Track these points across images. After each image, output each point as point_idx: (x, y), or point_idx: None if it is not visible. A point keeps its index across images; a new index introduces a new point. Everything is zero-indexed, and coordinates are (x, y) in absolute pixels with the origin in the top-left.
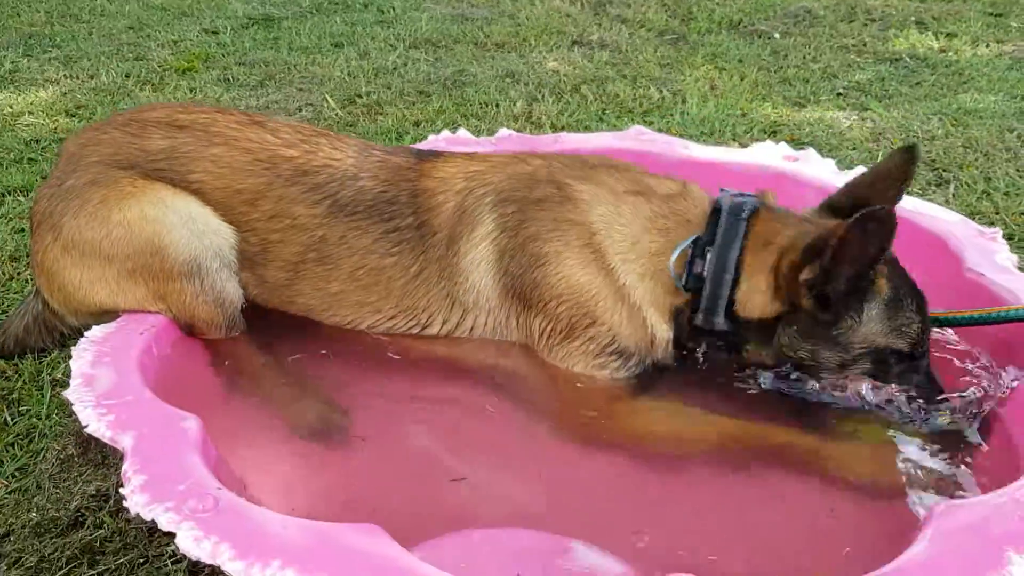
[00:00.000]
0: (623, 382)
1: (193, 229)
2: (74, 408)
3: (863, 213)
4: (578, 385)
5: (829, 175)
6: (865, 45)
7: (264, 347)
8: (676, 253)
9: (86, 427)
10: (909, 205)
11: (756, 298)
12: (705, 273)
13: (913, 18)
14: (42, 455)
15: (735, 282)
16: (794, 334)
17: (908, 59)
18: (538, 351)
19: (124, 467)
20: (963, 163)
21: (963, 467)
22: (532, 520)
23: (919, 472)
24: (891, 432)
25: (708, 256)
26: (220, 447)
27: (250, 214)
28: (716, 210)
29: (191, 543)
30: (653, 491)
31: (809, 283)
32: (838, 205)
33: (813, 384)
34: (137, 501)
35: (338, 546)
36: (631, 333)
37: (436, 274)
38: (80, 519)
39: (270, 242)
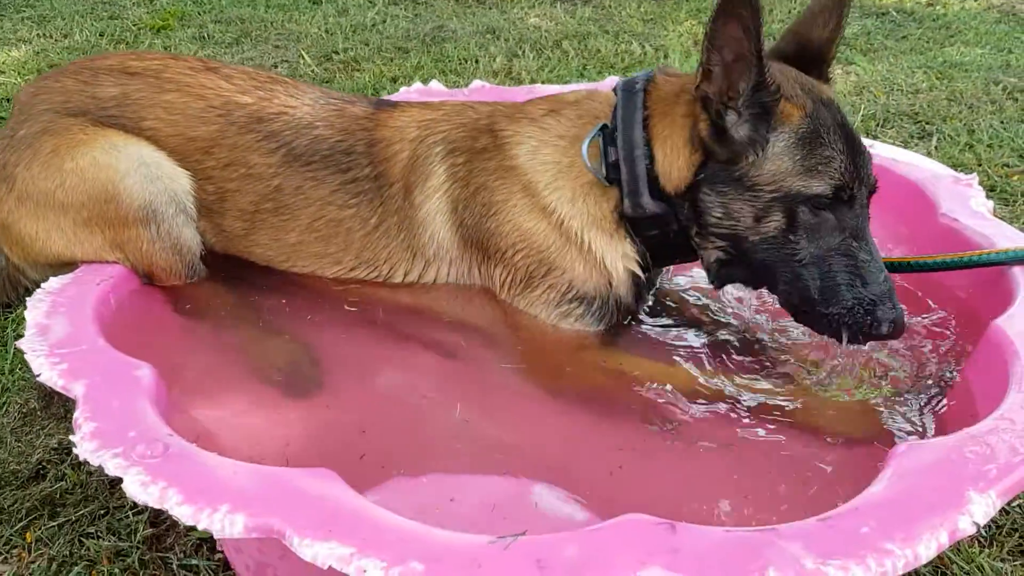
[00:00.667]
0: (591, 333)
1: (146, 174)
2: (26, 357)
3: None
4: (545, 333)
5: None
6: None
7: (228, 291)
8: (585, 145)
9: (38, 376)
10: (885, 152)
11: (676, 163)
12: (617, 156)
13: None
14: (4, 409)
15: (650, 156)
16: (711, 193)
17: (895, 13)
18: (502, 300)
19: (75, 415)
20: (947, 116)
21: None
22: (499, 465)
23: (892, 421)
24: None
25: (617, 139)
26: (181, 396)
27: (205, 162)
28: (615, 89)
29: (138, 488)
30: (626, 440)
31: (702, 98)
32: (785, 52)
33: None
34: (86, 448)
35: (289, 490)
36: (586, 275)
37: (396, 226)
38: (41, 471)
39: (226, 191)
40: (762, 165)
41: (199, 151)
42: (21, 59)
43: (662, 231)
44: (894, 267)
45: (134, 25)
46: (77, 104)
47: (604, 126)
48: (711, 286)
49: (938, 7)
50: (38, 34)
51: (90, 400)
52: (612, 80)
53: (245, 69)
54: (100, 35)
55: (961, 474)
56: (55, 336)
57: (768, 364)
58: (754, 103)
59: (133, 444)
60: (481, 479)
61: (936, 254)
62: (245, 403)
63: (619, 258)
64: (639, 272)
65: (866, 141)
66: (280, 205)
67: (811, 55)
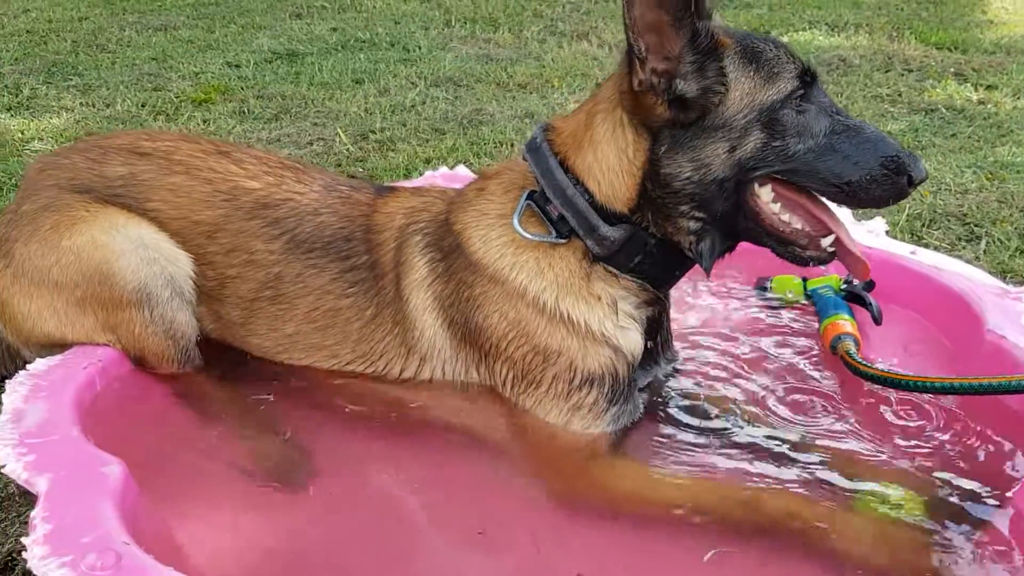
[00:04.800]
0: (602, 433)
1: (144, 256)
2: None
3: None
4: (552, 438)
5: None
6: (900, 95)
7: (222, 383)
8: (516, 219)
9: (2, 467)
10: (928, 260)
11: (615, 180)
12: (557, 209)
13: (952, 69)
14: None
15: (586, 191)
16: (675, 158)
17: (944, 110)
18: (507, 399)
19: (33, 513)
20: (996, 218)
21: (977, 548)
22: None
23: (936, 551)
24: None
25: (544, 193)
26: (155, 495)
27: (208, 247)
28: (524, 157)
29: None
30: (633, 560)
31: (647, 83)
32: None
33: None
34: (35, 553)
35: None
36: (583, 349)
37: (390, 318)
38: (10, 563)
39: (227, 277)
40: (727, 99)
41: (202, 235)
42: (61, 127)
43: (643, 251)
44: (935, 388)
45: (176, 97)
46: (84, 181)
47: (531, 192)
48: (706, 276)
49: (989, 105)
50: (81, 103)
51: (51, 498)
52: None
53: (258, 153)
54: (141, 106)
55: None
56: (28, 424)
57: (796, 460)
58: (695, 54)
59: (84, 552)
60: None
61: (980, 376)
62: (223, 508)
63: (605, 317)
64: (633, 315)
65: (911, 245)
66: (279, 293)
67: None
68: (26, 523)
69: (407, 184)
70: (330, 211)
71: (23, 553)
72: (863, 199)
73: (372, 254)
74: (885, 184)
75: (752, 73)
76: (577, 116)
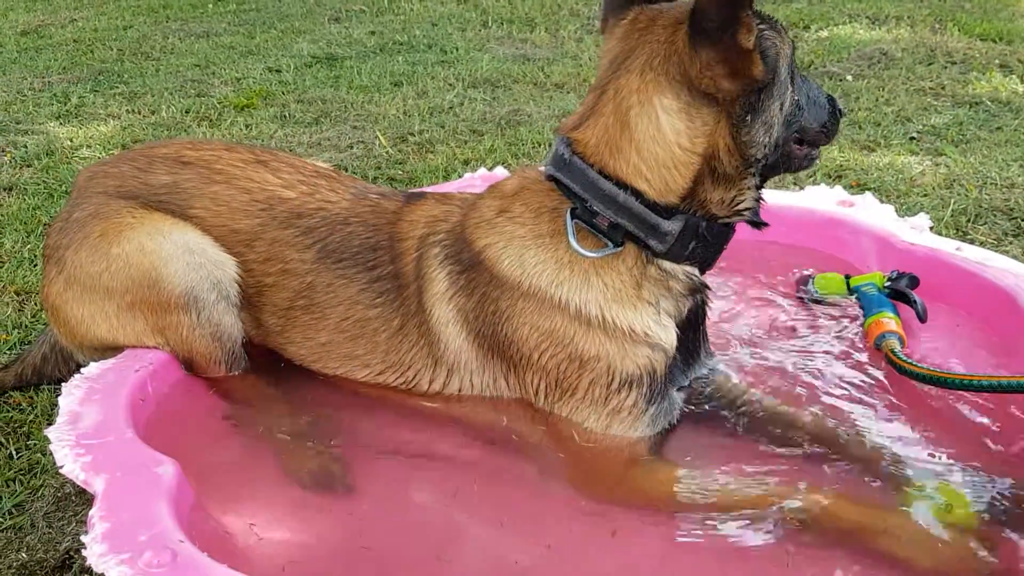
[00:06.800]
0: (641, 436)
1: (190, 261)
2: (51, 447)
3: None
4: (591, 443)
5: (887, 222)
6: (943, 88)
7: (269, 386)
8: (574, 242)
9: (61, 467)
10: (974, 256)
11: (664, 173)
12: (608, 219)
13: (997, 61)
14: (40, 492)
15: (633, 191)
16: (749, 133)
17: (989, 103)
18: (541, 410)
19: (91, 512)
20: None
21: None
22: None
23: (982, 557)
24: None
25: (590, 207)
26: (206, 495)
27: (246, 255)
28: (550, 176)
29: None
30: (678, 568)
31: (749, 44)
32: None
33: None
34: (94, 551)
35: None
36: (621, 351)
37: (415, 330)
38: (68, 561)
39: (264, 286)
40: (781, 53)
41: (241, 244)
42: (108, 134)
43: (696, 237)
44: (982, 387)
45: (219, 103)
46: (130, 188)
47: (572, 210)
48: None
49: None
50: (127, 110)
51: (108, 497)
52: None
53: (294, 162)
54: (185, 112)
55: None
56: (84, 426)
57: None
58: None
59: (141, 550)
60: None
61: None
62: (270, 508)
63: (648, 318)
64: (671, 312)
65: (956, 241)
66: (312, 303)
67: None
68: (82, 522)
69: (438, 189)
70: (359, 220)
71: (81, 551)
72: (829, 139)
73: (396, 264)
74: (833, 120)
75: (770, 25)
76: (600, 120)
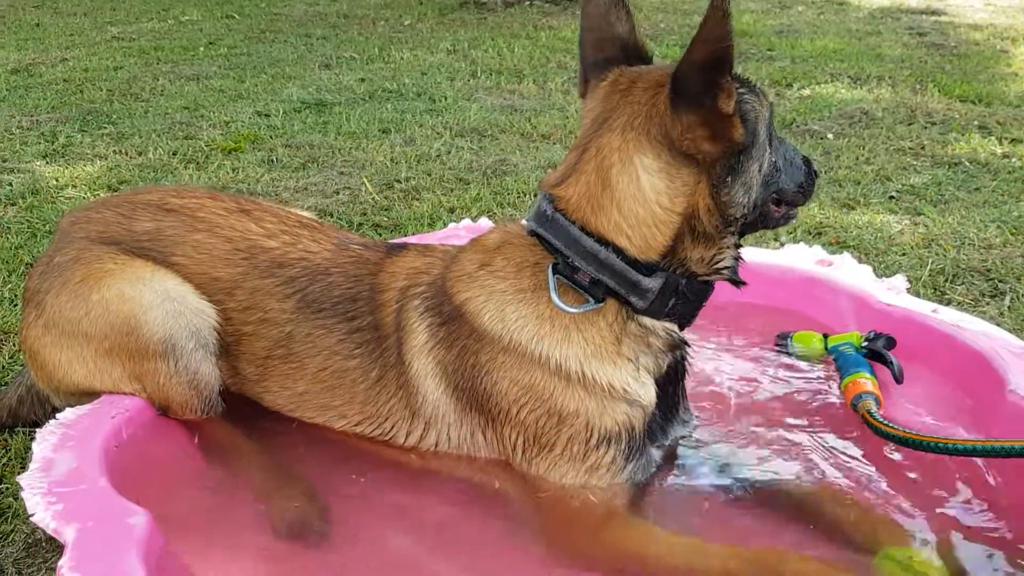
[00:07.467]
0: (619, 488)
1: (170, 309)
2: (23, 495)
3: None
4: (566, 498)
5: (865, 282)
6: (923, 148)
7: (245, 431)
8: (556, 298)
9: (32, 516)
10: (949, 318)
11: (644, 231)
12: (589, 275)
13: (976, 122)
14: (10, 538)
15: (614, 248)
16: (728, 194)
17: (968, 164)
18: (518, 466)
19: (61, 562)
20: (1021, 274)
21: None
22: None
23: None
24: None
25: (571, 262)
26: (179, 544)
27: (226, 303)
28: (532, 232)
29: None
30: None
31: (729, 109)
32: (613, 58)
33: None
34: None
35: None
36: (600, 407)
37: (393, 381)
38: None
39: (243, 334)
40: (760, 116)
41: (221, 292)
42: (94, 174)
43: (676, 294)
44: (957, 451)
45: (207, 146)
46: (113, 234)
47: (554, 265)
48: (739, 287)
49: (1014, 159)
50: (114, 150)
51: (78, 548)
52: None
53: (277, 212)
54: (173, 154)
55: None
56: (57, 473)
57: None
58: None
59: None
60: None
61: (999, 439)
62: (243, 556)
63: (627, 374)
64: (651, 369)
65: (933, 303)
66: (290, 352)
67: (631, 50)
68: (52, 569)
69: (422, 237)
70: (340, 271)
71: None
72: (805, 199)
73: (376, 315)
74: (809, 181)
75: (749, 88)
76: (582, 178)
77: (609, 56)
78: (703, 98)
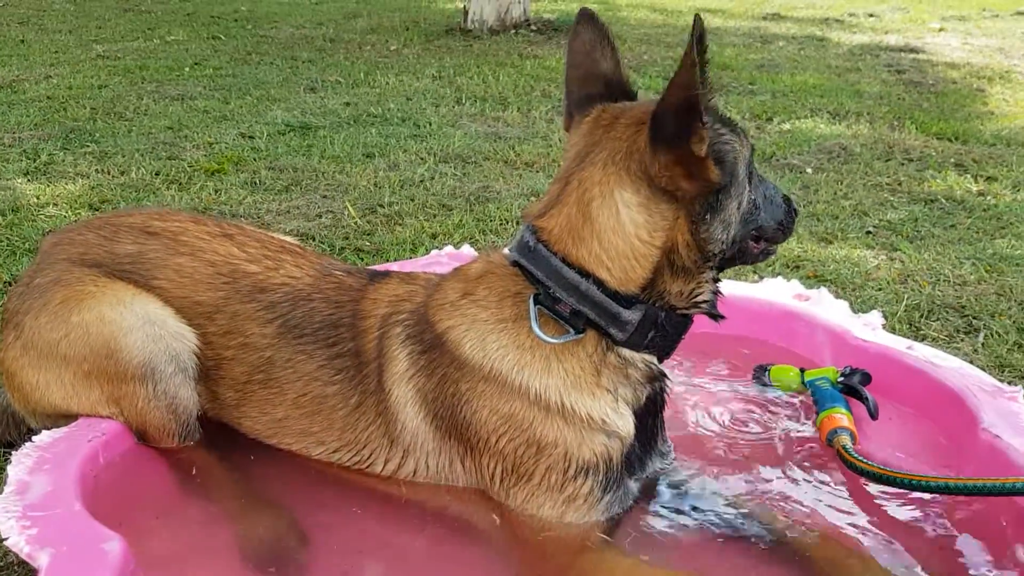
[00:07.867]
0: (595, 519)
1: (150, 332)
2: None
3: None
4: (542, 529)
5: (842, 317)
6: (900, 184)
7: (223, 458)
8: (536, 328)
9: (5, 540)
10: (925, 355)
11: (624, 263)
12: (570, 306)
13: (953, 160)
14: None
15: (594, 280)
16: (707, 231)
17: (944, 201)
18: (496, 495)
19: None
20: (995, 311)
21: None
22: None
23: None
24: None
25: (553, 293)
26: (152, 568)
27: (207, 327)
28: (515, 262)
29: None
30: None
31: (701, 152)
32: (597, 94)
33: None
34: None
35: None
36: (579, 438)
37: (373, 408)
38: None
39: (223, 359)
40: (740, 155)
41: (202, 316)
42: (76, 193)
43: (655, 326)
44: (930, 488)
45: (190, 167)
46: (94, 256)
47: (535, 296)
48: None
49: (989, 197)
50: (96, 170)
51: (51, 573)
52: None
53: (260, 237)
54: (156, 174)
55: None
56: (32, 496)
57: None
58: (714, 113)
59: None
60: None
61: (973, 477)
62: None
63: (606, 406)
64: (629, 400)
65: (908, 339)
66: (270, 378)
67: (616, 86)
68: None
69: (404, 263)
70: (322, 297)
71: None
72: (785, 236)
73: (357, 341)
74: (789, 219)
75: (730, 129)
76: (564, 210)
77: (593, 93)
78: (678, 140)
